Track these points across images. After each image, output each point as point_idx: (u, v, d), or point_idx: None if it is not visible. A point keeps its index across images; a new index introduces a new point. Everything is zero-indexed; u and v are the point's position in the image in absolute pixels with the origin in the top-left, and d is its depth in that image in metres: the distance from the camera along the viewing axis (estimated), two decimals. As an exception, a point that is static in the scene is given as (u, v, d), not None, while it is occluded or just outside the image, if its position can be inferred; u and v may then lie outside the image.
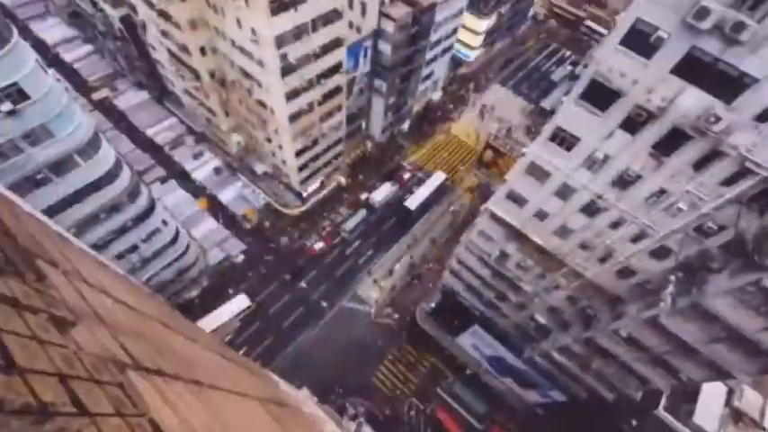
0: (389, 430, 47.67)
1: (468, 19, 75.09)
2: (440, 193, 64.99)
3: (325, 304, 54.94)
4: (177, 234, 42.43)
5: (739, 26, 15.64)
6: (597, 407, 37.17)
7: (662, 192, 22.80)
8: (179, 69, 52.90)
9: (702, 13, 16.08)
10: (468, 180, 69.17)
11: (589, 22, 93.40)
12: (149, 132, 65.12)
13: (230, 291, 53.26)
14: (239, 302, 50.85)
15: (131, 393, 3.28)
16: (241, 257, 56.28)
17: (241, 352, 48.03)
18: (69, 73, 71.43)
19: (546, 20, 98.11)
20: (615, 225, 26.55)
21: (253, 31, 38.63)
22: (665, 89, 18.84)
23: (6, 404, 1.98)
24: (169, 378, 4.49)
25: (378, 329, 54.38)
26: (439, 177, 64.94)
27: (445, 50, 67.17)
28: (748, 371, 22.83)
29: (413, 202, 61.66)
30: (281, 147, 51.88)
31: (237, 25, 40.08)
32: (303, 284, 55.75)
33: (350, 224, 60.87)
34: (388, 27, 50.65)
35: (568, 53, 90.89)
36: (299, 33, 39.20)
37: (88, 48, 74.93)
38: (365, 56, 52.69)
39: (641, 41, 18.35)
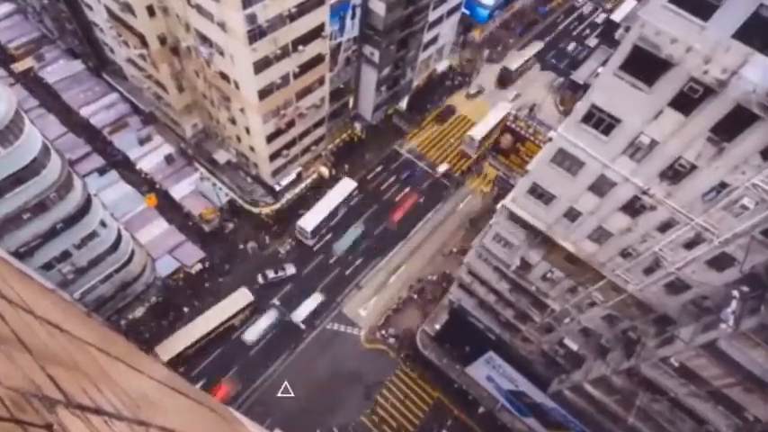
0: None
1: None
2: (443, 187, 65.13)
3: (303, 326, 54.91)
4: (119, 238, 42.21)
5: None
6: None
7: (722, 186, 22.85)
8: (121, 34, 52.62)
9: (772, -36, 16.15)
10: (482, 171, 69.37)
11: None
12: (84, 112, 64.64)
13: (185, 309, 53.02)
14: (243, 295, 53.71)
15: (62, 437, 3.23)
16: (198, 267, 56.11)
17: (199, 385, 47.83)
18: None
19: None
20: (664, 227, 26.62)
21: (213, -16, 38.55)
22: (727, 58, 18.89)
23: None
24: (108, 417, 4.44)
25: (368, 357, 54.40)
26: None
27: (453, 10, 67.19)
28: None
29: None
30: (248, 130, 51.73)
31: (194, -22, 39.99)
32: (275, 301, 55.68)
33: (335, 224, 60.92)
34: (382, -20, 50.68)
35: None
36: (271, -12, 39.16)
37: (8, 7, 74.36)
38: (353, 17, 52.61)
39: (696, -1, 18.37)
